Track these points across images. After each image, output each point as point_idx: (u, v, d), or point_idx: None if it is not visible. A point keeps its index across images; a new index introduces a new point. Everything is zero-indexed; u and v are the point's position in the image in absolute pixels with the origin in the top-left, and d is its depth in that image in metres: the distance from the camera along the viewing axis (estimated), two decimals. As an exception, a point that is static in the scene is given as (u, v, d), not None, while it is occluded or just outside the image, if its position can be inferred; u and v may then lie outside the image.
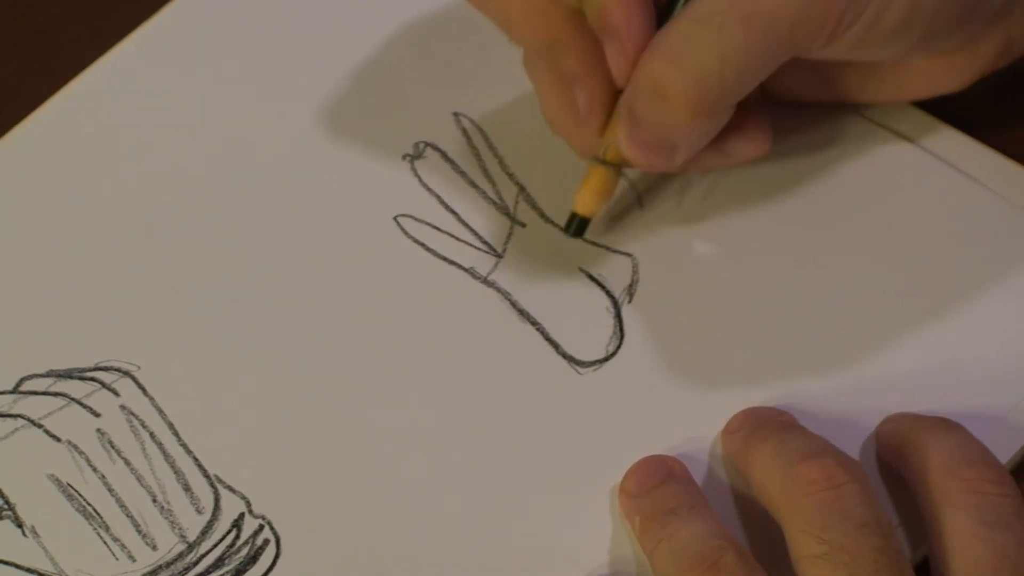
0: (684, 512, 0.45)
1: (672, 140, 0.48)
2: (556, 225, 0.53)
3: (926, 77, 0.50)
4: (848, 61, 0.49)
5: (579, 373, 0.50)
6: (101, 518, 0.48)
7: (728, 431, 0.48)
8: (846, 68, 0.51)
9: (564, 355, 0.50)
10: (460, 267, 0.52)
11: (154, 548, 0.48)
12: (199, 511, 0.49)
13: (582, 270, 0.52)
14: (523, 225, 0.53)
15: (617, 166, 0.50)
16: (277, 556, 0.48)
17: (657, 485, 0.46)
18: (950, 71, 0.49)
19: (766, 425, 0.47)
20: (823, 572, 0.42)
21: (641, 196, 0.52)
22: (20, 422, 0.50)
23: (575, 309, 0.51)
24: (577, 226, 0.51)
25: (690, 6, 0.46)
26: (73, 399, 0.50)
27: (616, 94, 0.49)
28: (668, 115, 0.47)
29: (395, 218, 0.53)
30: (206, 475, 0.49)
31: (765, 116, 0.50)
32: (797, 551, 0.43)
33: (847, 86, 0.51)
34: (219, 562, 0.48)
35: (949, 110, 0.52)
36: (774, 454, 0.45)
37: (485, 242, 0.53)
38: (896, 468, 0.46)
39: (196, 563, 0.48)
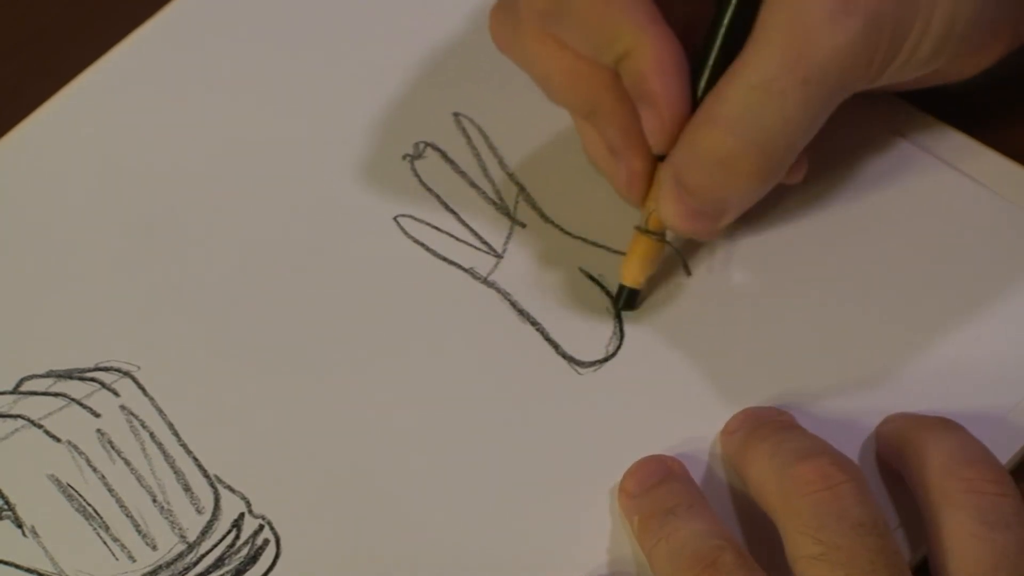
0: (683, 511, 0.45)
1: (727, 206, 0.48)
2: (556, 225, 0.53)
3: (935, 73, 0.50)
4: None
5: (579, 373, 0.50)
6: (101, 518, 0.48)
7: (727, 431, 0.48)
8: None
9: (564, 355, 0.50)
10: (460, 267, 0.52)
11: (154, 548, 0.48)
12: (199, 511, 0.49)
13: (582, 270, 0.52)
14: (523, 225, 0.53)
15: (660, 234, 0.50)
16: (277, 556, 0.48)
17: (656, 484, 0.46)
18: (962, 68, 0.50)
19: (764, 426, 0.47)
20: (820, 572, 0.42)
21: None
22: (20, 422, 0.50)
23: (575, 309, 0.51)
24: (627, 298, 0.51)
25: (740, 71, 0.46)
26: (73, 399, 0.50)
27: (655, 162, 0.49)
28: (733, 184, 0.47)
29: (395, 218, 0.53)
30: (206, 475, 0.49)
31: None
32: (794, 552, 0.43)
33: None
34: (219, 562, 0.48)
35: (948, 109, 0.52)
36: (770, 454, 0.45)
37: (485, 242, 0.53)
38: (896, 468, 0.46)
39: (196, 563, 0.48)
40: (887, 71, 0.47)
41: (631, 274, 0.50)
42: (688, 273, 0.51)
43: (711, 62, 0.47)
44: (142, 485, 0.49)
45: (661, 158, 0.48)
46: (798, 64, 0.45)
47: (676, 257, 0.51)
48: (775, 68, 0.45)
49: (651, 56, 0.47)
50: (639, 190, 0.49)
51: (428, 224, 0.53)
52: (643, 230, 0.50)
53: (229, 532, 0.48)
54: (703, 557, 0.43)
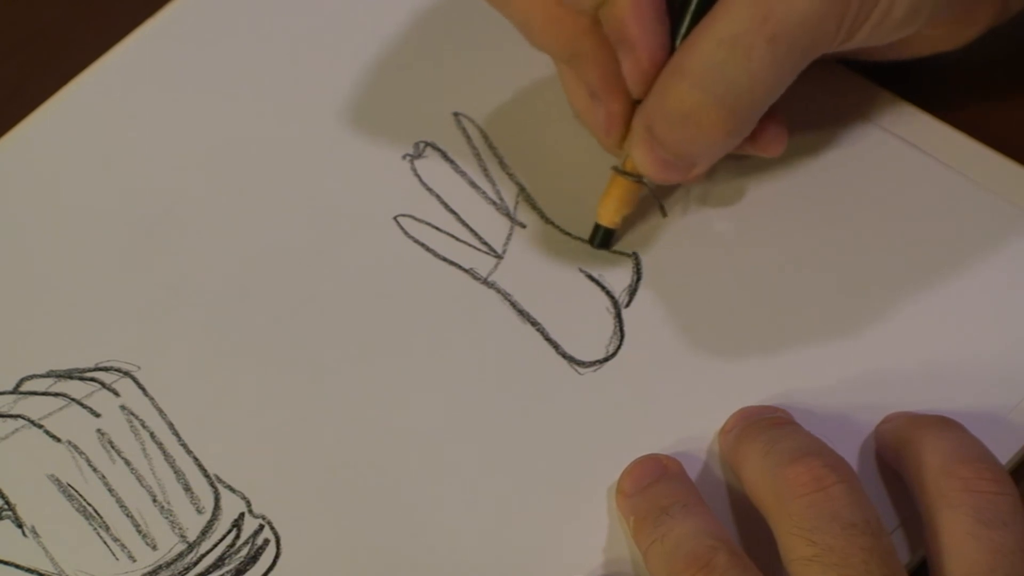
0: (678, 511, 0.45)
1: (694, 159, 0.48)
2: (556, 226, 0.53)
3: (927, 41, 0.50)
4: None
5: (579, 373, 0.50)
6: (101, 518, 0.49)
7: (724, 431, 0.48)
8: None
9: (564, 355, 0.50)
10: (460, 268, 0.52)
11: (154, 548, 0.48)
12: (199, 511, 0.49)
13: (582, 270, 0.52)
14: (523, 225, 0.53)
15: (638, 176, 0.50)
16: (277, 556, 0.48)
17: (651, 484, 0.46)
18: (950, 36, 0.50)
19: (757, 424, 0.47)
20: (814, 574, 0.42)
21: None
22: (20, 422, 0.50)
23: (575, 309, 0.51)
24: (602, 238, 0.51)
25: (710, 24, 0.46)
26: (73, 399, 0.50)
27: (634, 106, 0.49)
28: (699, 138, 0.47)
29: (395, 218, 0.53)
30: (206, 475, 0.49)
31: (781, 119, 0.50)
32: (787, 553, 0.43)
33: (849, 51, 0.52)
34: (219, 562, 0.48)
35: (945, 107, 0.52)
36: (763, 454, 0.45)
37: (485, 243, 0.53)
38: (895, 467, 0.46)
39: (196, 563, 0.48)
40: (859, 33, 0.46)
41: (607, 214, 0.51)
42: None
43: (691, 11, 0.47)
44: (142, 485, 0.49)
45: (639, 102, 0.49)
46: (766, 21, 0.45)
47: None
48: (744, 23, 0.45)
49: (629, 1, 0.47)
50: (617, 132, 0.50)
51: (428, 224, 0.53)
52: (620, 171, 0.50)
53: (229, 532, 0.48)
54: (698, 557, 0.43)
